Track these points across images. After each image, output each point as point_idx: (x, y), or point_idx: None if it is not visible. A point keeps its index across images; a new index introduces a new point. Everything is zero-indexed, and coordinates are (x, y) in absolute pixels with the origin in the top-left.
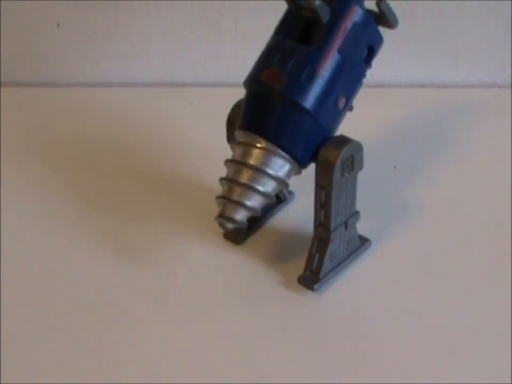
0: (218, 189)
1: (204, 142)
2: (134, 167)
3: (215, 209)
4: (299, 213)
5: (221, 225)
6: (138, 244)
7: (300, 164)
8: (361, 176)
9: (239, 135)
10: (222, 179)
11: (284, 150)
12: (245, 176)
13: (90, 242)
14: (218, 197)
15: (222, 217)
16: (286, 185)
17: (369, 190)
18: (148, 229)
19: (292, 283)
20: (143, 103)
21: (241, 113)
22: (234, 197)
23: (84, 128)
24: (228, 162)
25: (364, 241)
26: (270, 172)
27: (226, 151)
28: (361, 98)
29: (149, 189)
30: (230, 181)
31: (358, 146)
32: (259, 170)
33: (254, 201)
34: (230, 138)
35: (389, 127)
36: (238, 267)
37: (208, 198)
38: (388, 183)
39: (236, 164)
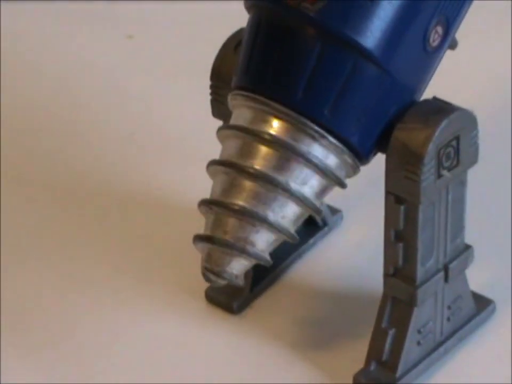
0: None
1: (163, 111)
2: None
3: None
4: (350, 249)
5: (207, 279)
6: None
7: (355, 154)
8: (474, 180)
9: (238, 101)
10: (203, 203)
11: (325, 129)
12: (244, 193)
13: None
14: (198, 237)
15: (207, 269)
16: (341, 183)
17: (488, 207)
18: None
19: None
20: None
21: (240, 61)
22: (226, 237)
23: None
24: (214, 165)
25: (482, 304)
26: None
27: (212, 135)
28: None
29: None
30: (217, 206)
31: (468, 120)
32: (273, 177)
33: (261, 242)
34: (219, 108)
35: None
36: (235, 357)
37: (185, 225)
38: None
39: (230, 169)
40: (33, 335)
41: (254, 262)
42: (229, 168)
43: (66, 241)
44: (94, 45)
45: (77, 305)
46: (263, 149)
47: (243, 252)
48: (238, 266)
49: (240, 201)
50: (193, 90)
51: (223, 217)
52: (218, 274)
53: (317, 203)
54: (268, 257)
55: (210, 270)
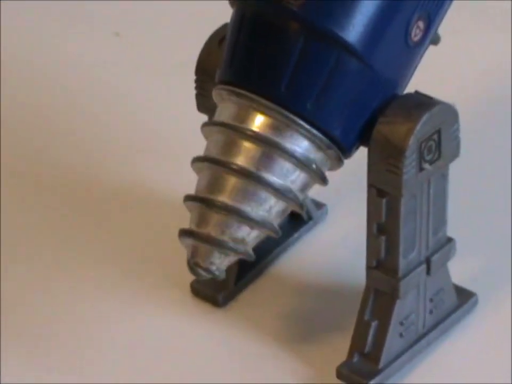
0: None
1: (151, 107)
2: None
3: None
4: (334, 242)
5: (193, 272)
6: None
7: (339, 147)
8: (457, 174)
9: (222, 96)
10: (187, 198)
11: (309, 123)
12: (228, 189)
13: None
14: (182, 232)
15: (192, 264)
16: (323, 179)
17: (470, 202)
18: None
19: (323, 378)
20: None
21: (224, 56)
22: (209, 232)
23: None
24: (198, 161)
25: (464, 297)
26: (283, 165)
27: (196, 129)
28: None
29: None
30: (201, 202)
31: (449, 114)
32: (256, 173)
33: (244, 237)
34: (204, 102)
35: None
36: (220, 350)
37: (171, 216)
38: (509, 187)
39: (213, 165)
40: (18, 326)
41: (236, 257)
42: (212, 164)
43: (51, 233)
44: (81, 43)
45: (60, 297)
46: (246, 145)
47: (226, 247)
48: (220, 261)
49: (223, 197)
50: (180, 87)
51: (207, 213)
52: (202, 269)
53: (300, 198)
54: (251, 252)
55: (195, 264)
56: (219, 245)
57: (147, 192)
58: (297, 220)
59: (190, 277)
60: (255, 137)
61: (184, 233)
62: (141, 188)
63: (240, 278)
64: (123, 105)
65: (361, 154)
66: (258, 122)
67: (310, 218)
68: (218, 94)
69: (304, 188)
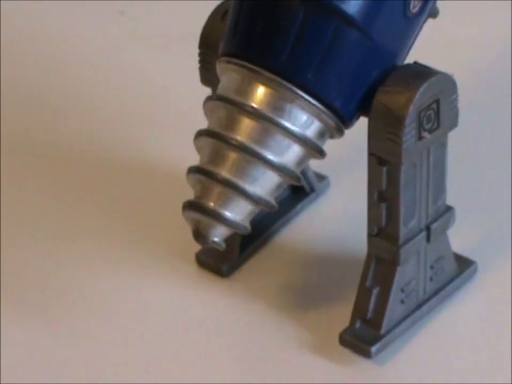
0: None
1: (156, 83)
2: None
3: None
4: (337, 214)
5: (198, 239)
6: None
7: (339, 117)
8: (457, 143)
9: (224, 68)
10: (190, 171)
11: (309, 94)
12: (228, 163)
13: None
14: (187, 205)
15: (195, 233)
16: (321, 152)
17: (471, 171)
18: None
19: (326, 344)
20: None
21: (227, 29)
22: (210, 205)
23: None
24: (201, 136)
25: (463, 265)
26: (287, 132)
27: (201, 103)
28: None
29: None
30: (203, 174)
31: (448, 83)
32: (254, 148)
33: (241, 210)
34: (208, 75)
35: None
36: (225, 318)
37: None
38: (508, 156)
39: (214, 139)
40: (23, 298)
41: (232, 230)
42: (213, 138)
43: (56, 207)
44: (86, 21)
45: (66, 270)
46: (246, 121)
47: (223, 219)
48: (220, 233)
49: (223, 171)
50: (186, 63)
51: (209, 186)
52: (204, 240)
53: (297, 172)
54: (248, 226)
55: (198, 234)
56: (217, 217)
57: (152, 164)
58: (299, 192)
59: (195, 248)
60: (255, 113)
61: (186, 205)
62: (146, 160)
63: (244, 248)
64: (128, 82)
65: (363, 127)
66: (259, 93)
67: (312, 190)
68: (221, 66)
69: (302, 162)
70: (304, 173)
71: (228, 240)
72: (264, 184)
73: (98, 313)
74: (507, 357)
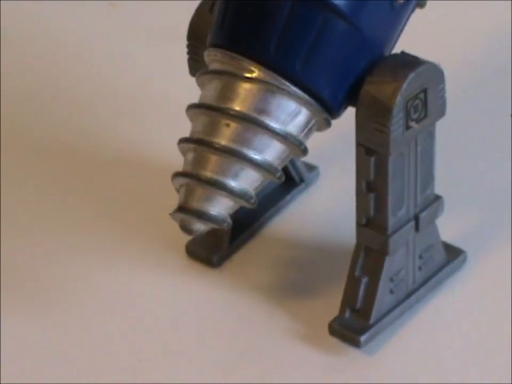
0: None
1: (146, 75)
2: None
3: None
4: (326, 204)
5: (184, 228)
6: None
7: (326, 108)
8: (444, 132)
9: (213, 59)
10: (176, 175)
11: (296, 84)
12: (213, 161)
13: None
14: (177, 174)
15: (184, 209)
16: (303, 150)
17: (460, 161)
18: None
19: (316, 334)
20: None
21: (215, 20)
22: (207, 174)
23: None
24: (193, 108)
25: (452, 254)
26: (272, 125)
27: (194, 96)
28: None
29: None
30: (199, 144)
31: (435, 73)
32: (236, 149)
33: (220, 206)
34: (196, 67)
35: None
36: (216, 309)
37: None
38: (496, 146)
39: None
40: (17, 290)
41: (236, 201)
42: (196, 144)
43: (47, 201)
44: (77, 12)
45: (55, 261)
46: (242, 92)
47: (224, 189)
48: (219, 205)
49: (207, 172)
50: (176, 54)
51: (205, 155)
52: (198, 214)
53: (279, 169)
54: (254, 196)
55: (188, 209)
56: (216, 186)
57: (143, 155)
58: (289, 182)
59: (185, 239)
60: (237, 116)
61: (179, 174)
62: (136, 151)
63: (234, 239)
64: (119, 73)
65: (351, 117)
66: (244, 90)
67: (302, 180)
68: (209, 58)
69: (283, 160)
70: (293, 163)
71: (217, 231)
72: (245, 181)
73: (89, 304)
74: (495, 345)
